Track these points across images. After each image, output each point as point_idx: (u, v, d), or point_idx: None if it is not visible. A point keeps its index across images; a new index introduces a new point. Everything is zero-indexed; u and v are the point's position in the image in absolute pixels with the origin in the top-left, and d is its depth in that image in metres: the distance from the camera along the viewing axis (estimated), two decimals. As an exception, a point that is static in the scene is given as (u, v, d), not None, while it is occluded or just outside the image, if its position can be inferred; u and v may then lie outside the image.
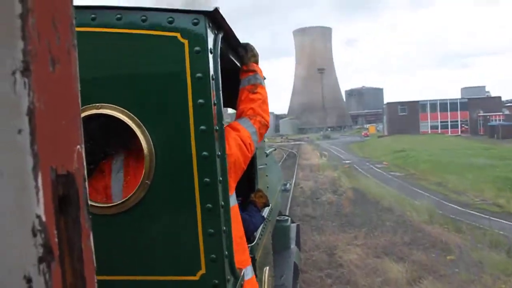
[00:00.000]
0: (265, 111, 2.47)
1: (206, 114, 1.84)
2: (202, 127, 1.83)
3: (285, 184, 9.90)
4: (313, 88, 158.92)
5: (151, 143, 1.85)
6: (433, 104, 73.38)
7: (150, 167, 1.85)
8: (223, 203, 1.89)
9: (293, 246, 5.24)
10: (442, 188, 20.59)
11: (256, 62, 2.55)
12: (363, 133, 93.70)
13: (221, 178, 1.89)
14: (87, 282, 0.56)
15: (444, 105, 72.83)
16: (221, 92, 1.95)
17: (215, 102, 1.88)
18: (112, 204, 1.91)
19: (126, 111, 1.85)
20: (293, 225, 5.81)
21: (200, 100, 1.82)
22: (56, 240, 0.50)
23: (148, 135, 1.85)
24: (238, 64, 2.55)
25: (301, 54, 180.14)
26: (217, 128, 1.88)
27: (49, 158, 0.50)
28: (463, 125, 72.16)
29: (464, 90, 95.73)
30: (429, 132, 70.73)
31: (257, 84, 2.48)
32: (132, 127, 1.84)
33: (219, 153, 1.89)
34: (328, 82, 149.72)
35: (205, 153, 1.83)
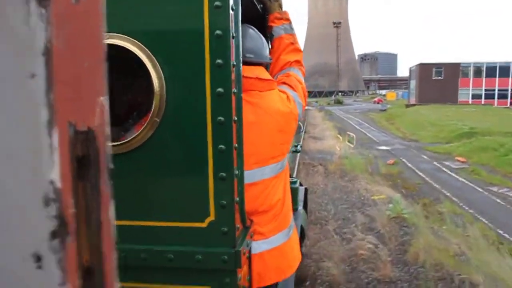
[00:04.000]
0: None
1: (223, 47, 1.62)
2: (219, 61, 1.61)
3: (296, 146, 6.56)
4: (326, 48, 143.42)
5: (163, 78, 1.65)
6: (478, 68, 57.45)
7: (161, 104, 1.66)
8: (237, 144, 1.68)
9: (300, 208, 4.65)
10: None
11: (281, 7, 2.34)
12: (375, 100, 79.07)
13: (236, 118, 1.67)
14: (105, 259, 0.48)
15: (491, 69, 56.95)
16: (240, 25, 1.72)
17: (234, 34, 1.64)
18: (117, 143, 1.69)
19: (136, 41, 1.65)
20: (301, 188, 5.14)
21: (218, 32, 1.60)
22: (73, 210, 0.42)
23: (160, 69, 1.65)
24: (259, 9, 2.32)
25: (314, 12, 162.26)
26: (235, 63, 1.65)
27: (67, 110, 0.41)
28: (515, 95, 56.61)
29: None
30: (470, 102, 55.47)
31: (295, 36, 2.32)
32: (143, 59, 1.64)
33: (235, 91, 1.67)
34: (342, 43, 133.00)
35: (220, 89, 1.63)
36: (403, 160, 17.76)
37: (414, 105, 52.16)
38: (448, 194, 12.27)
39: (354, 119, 41.46)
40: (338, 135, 23.18)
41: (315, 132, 27.85)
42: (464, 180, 14.42)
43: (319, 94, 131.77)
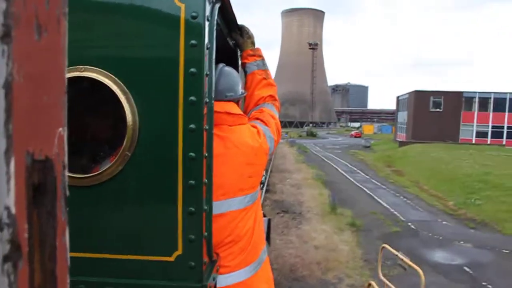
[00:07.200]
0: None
1: (197, 85, 1.69)
2: (192, 98, 1.68)
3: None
4: (298, 77, 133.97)
5: (136, 112, 1.71)
6: (484, 99, 46.87)
7: (133, 138, 1.71)
8: (206, 180, 1.75)
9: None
10: None
11: (253, 44, 2.46)
12: (352, 134, 72.26)
13: (206, 154, 1.74)
14: (59, 283, 0.49)
15: (500, 102, 46.56)
16: (214, 63, 1.82)
17: (208, 72, 1.74)
18: (87, 175, 1.75)
19: (111, 75, 1.71)
20: (264, 219, 5.28)
21: (192, 69, 1.68)
22: (26, 235, 0.43)
23: (133, 103, 1.71)
24: (231, 45, 2.47)
25: (288, 39, 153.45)
26: (207, 100, 1.74)
27: (25, 140, 0.43)
28: (526, 134, 46.04)
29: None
30: (473, 141, 44.55)
31: (267, 71, 2.42)
32: (117, 93, 1.69)
33: (207, 127, 1.74)
34: (316, 72, 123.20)
35: (192, 126, 1.69)
36: None
37: (407, 142, 40.71)
38: None
39: (338, 160, 29.59)
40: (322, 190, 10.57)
41: (285, 191, 15.23)
42: None
43: (289, 124, 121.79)
